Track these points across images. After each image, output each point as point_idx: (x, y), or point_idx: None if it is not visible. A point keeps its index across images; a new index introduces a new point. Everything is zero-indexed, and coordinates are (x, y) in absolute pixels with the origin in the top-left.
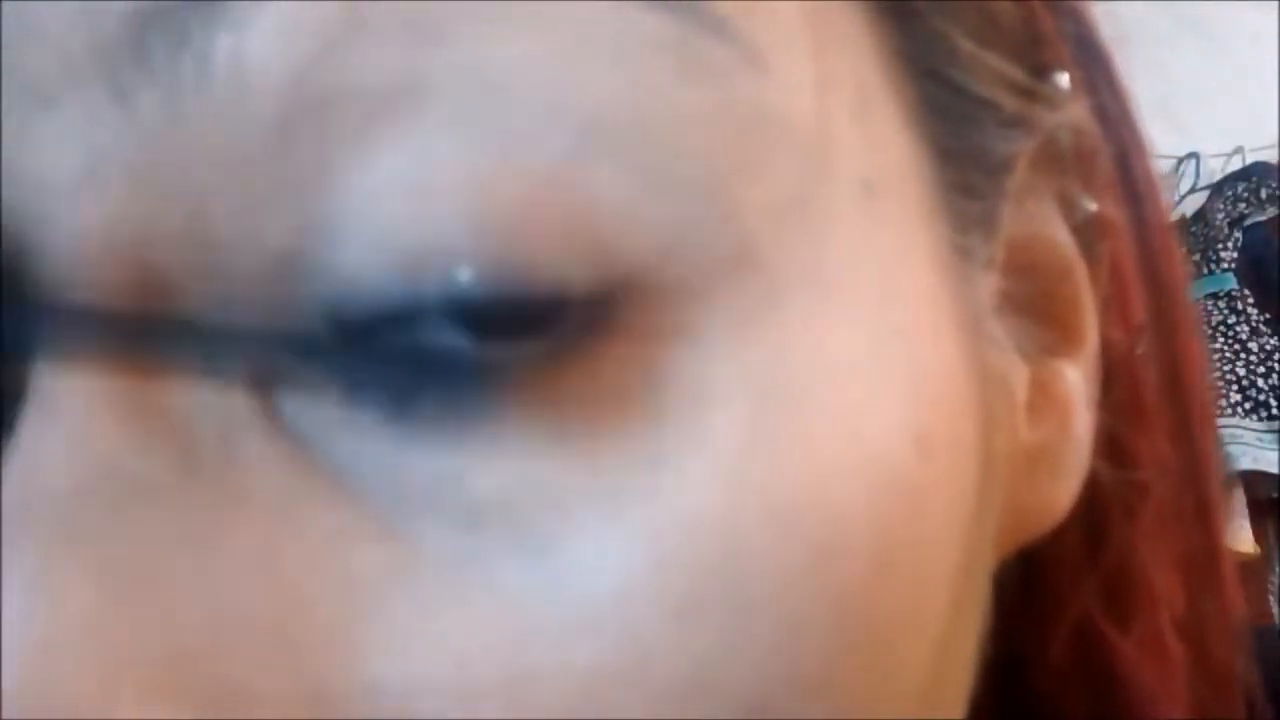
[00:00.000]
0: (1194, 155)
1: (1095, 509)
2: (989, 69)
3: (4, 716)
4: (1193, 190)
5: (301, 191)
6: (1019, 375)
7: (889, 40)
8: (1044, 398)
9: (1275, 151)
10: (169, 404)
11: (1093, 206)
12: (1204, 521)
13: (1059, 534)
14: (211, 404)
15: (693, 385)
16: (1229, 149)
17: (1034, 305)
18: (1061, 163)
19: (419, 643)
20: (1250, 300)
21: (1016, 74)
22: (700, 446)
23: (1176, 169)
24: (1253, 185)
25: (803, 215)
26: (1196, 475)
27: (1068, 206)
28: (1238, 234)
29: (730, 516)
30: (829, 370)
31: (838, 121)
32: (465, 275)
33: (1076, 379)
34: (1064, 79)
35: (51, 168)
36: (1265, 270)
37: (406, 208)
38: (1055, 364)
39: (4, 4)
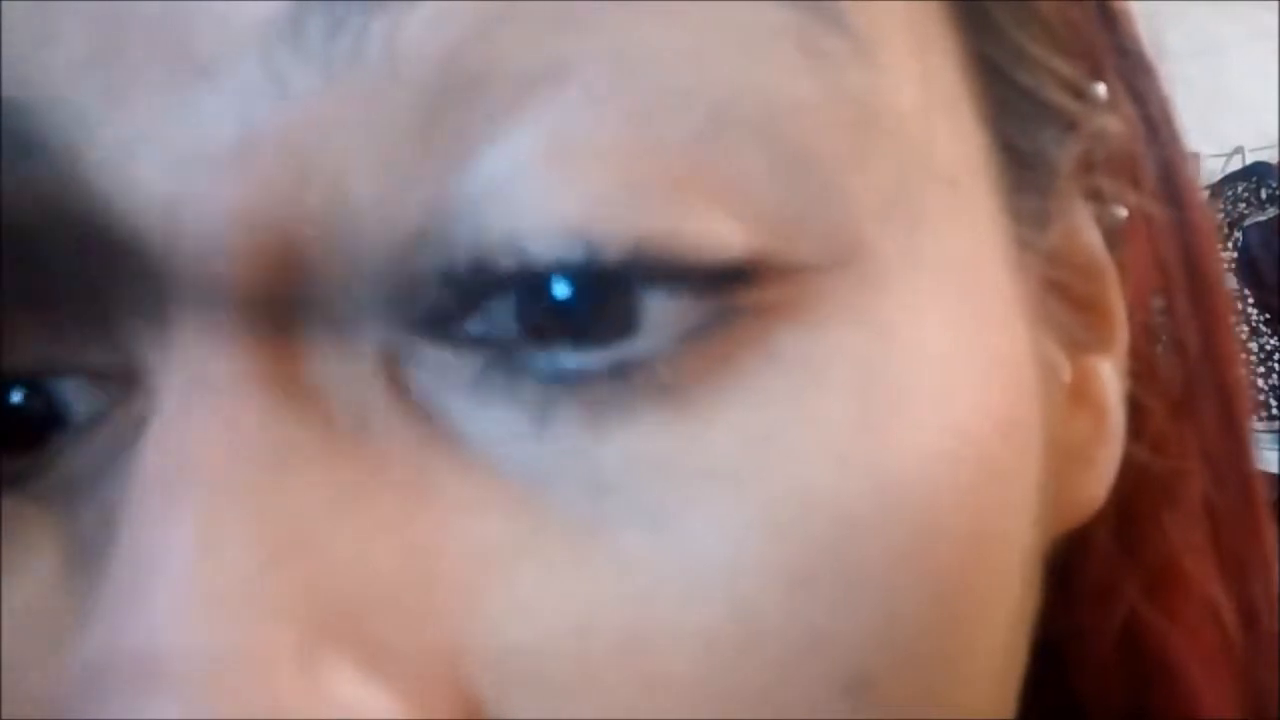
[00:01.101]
0: (1194, 155)
1: (1135, 499)
2: (1054, 73)
3: (173, 669)
4: None
5: (440, 170)
6: (1064, 366)
7: (966, 41)
8: (1082, 392)
9: (1275, 152)
10: (309, 381)
11: (1122, 213)
12: (1248, 508)
13: (1097, 524)
14: (347, 380)
15: (806, 365)
16: (1229, 149)
17: (1074, 301)
18: (1096, 167)
19: (545, 606)
20: (1250, 300)
21: (1076, 79)
22: (812, 424)
23: None
24: (1252, 185)
25: (905, 207)
26: (1239, 464)
27: (1101, 212)
28: (1237, 234)
29: (840, 493)
30: (926, 356)
31: (935, 117)
32: (611, 247)
33: (1111, 375)
34: (1103, 87)
35: (204, 140)
36: (1265, 270)
37: (544, 180)
38: (1093, 359)
39: None
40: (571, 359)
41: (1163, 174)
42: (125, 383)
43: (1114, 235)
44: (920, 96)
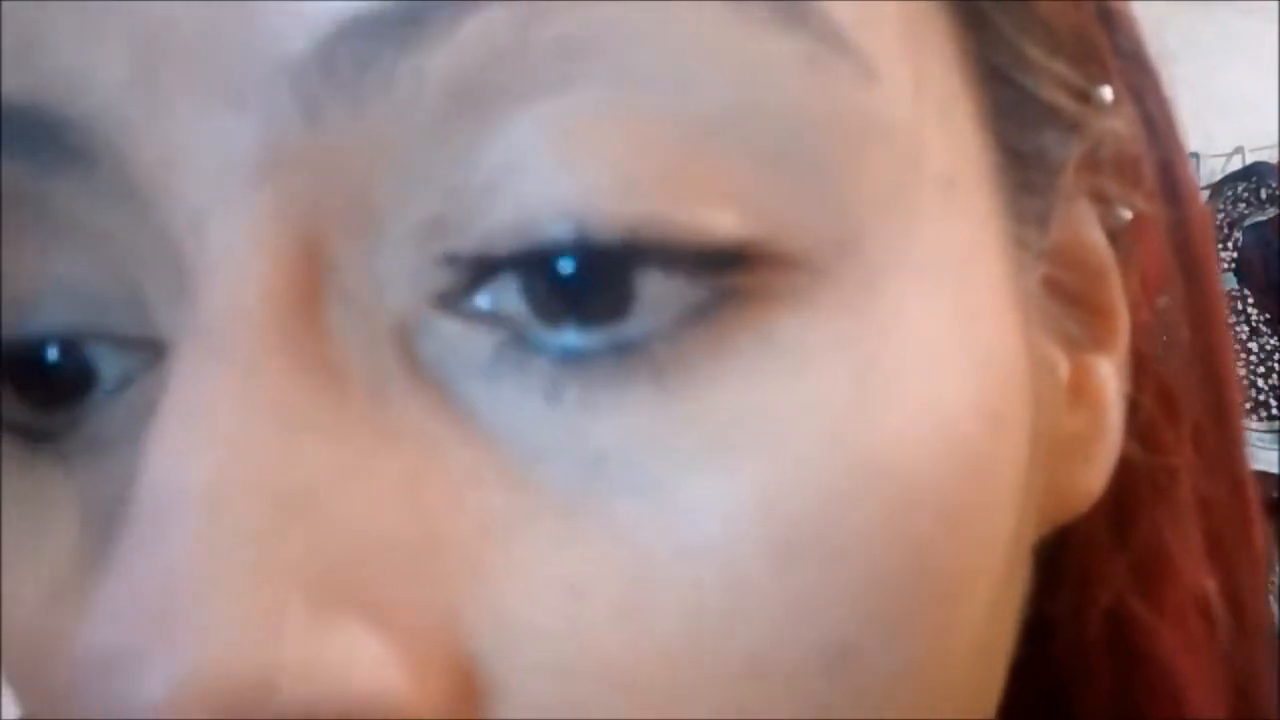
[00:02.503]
0: (1194, 155)
1: (1126, 493)
2: (1054, 75)
3: (182, 622)
4: None
5: (453, 167)
6: (1061, 364)
7: (966, 45)
8: (1081, 388)
9: (1275, 152)
10: (325, 350)
11: (1128, 213)
12: (1238, 504)
13: (1090, 517)
14: (363, 351)
15: (800, 348)
16: (1229, 149)
17: (1074, 300)
18: (1100, 168)
19: (541, 574)
20: (1250, 300)
21: (1077, 81)
22: (804, 404)
23: None
24: (1252, 185)
25: (898, 208)
26: (1230, 460)
27: (1105, 213)
28: (1238, 234)
29: (828, 471)
30: (917, 347)
31: (928, 122)
32: (606, 222)
33: (1110, 373)
34: (1108, 90)
35: (235, 158)
36: (1265, 270)
37: (545, 170)
38: (1091, 357)
39: (207, 7)
40: (577, 338)
41: (1162, 174)
42: (152, 351)
43: (1119, 235)
44: (914, 102)
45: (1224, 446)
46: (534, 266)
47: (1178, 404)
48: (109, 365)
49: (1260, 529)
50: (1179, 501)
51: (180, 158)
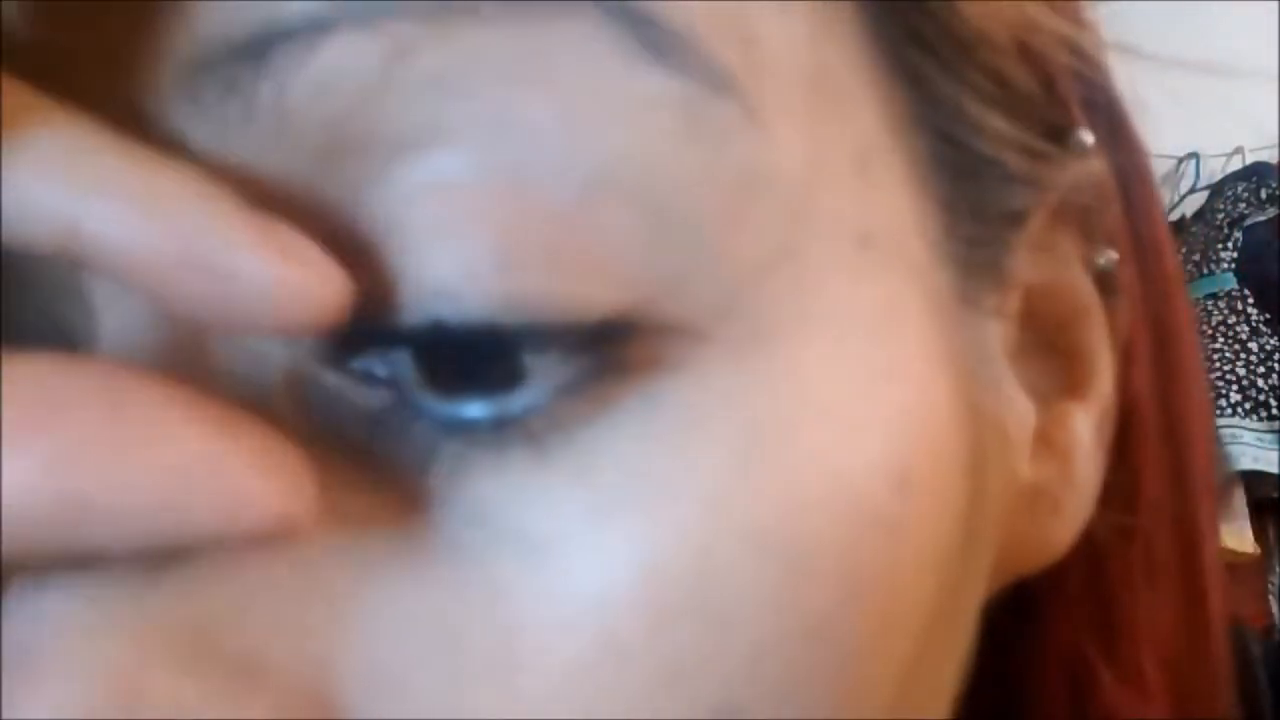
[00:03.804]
0: (1194, 155)
1: (1093, 545)
2: (994, 130)
3: (47, 672)
4: (1193, 190)
5: (330, 217)
6: (1025, 415)
7: (895, 99)
8: (1049, 439)
9: (1275, 151)
10: (218, 393)
11: (1115, 256)
12: (1192, 571)
13: (1059, 569)
14: (256, 396)
15: (685, 411)
16: (1229, 149)
17: (1046, 348)
18: (1083, 215)
19: (417, 625)
20: (1250, 300)
21: (1022, 135)
22: (688, 470)
23: (1176, 169)
24: (1253, 185)
25: (790, 265)
26: (1188, 524)
27: (1088, 258)
28: (1238, 234)
29: (710, 535)
30: (813, 408)
31: (834, 177)
32: (483, 299)
33: (1084, 422)
34: (1084, 137)
35: None
36: (1265, 270)
37: (420, 239)
38: (1064, 406)
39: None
40: (466, 408)
41: (1129, 223)
42: None
43: (1105, 279)
44: (812, 155)
45: (1181, 513)
46: (421, 338)
47: (1143, 462)
48: None
49: (1215, 590)
50: (1143, 560)
51: None
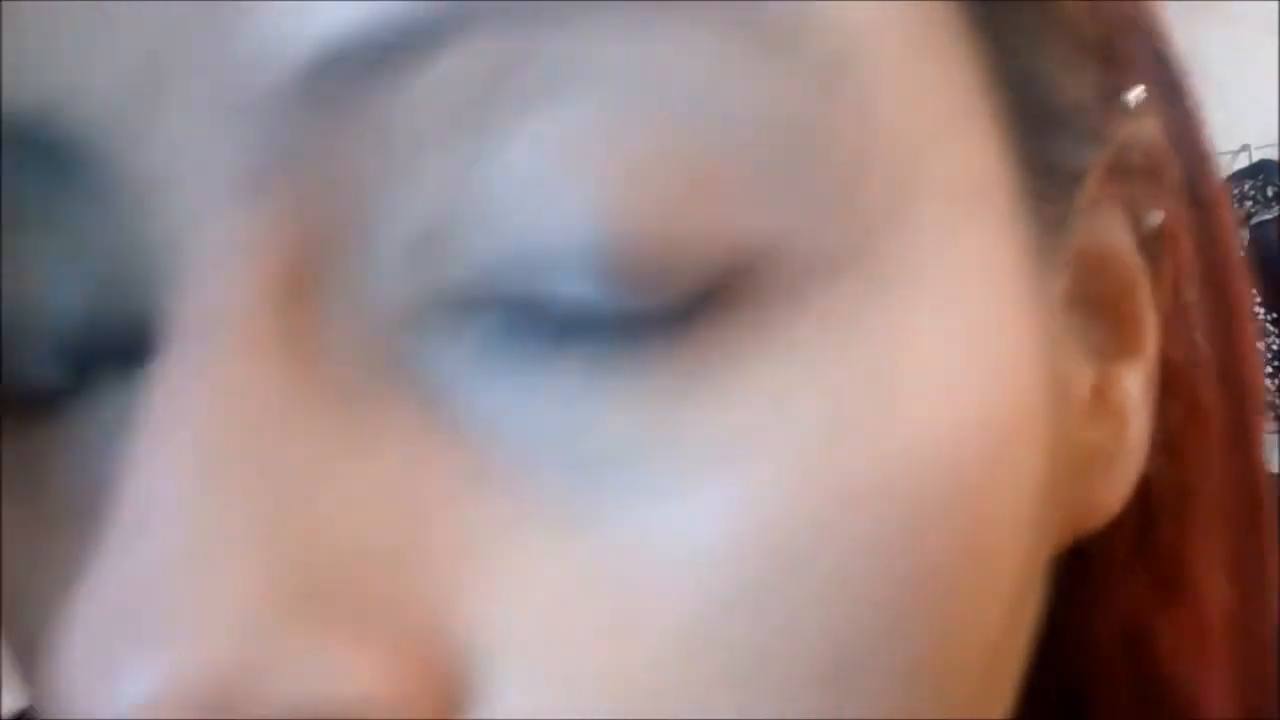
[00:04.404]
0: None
1: (1148, 506)
2: (1073, 82)
3: (161, 619)
4: None
5: (452, 175)
6: (1082, 376)
7: (981, 49)
8: (1102, 400)
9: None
10: (314, 346)
11: (1159, 219)
12: (1254, 524)
13: (1111, 529)
14: (352, 349)
15: (805, 358)
16: (1235, 147)
17: (1098, 309)
18: (1130, 176)
19: (528, 584)
20: (1257, 299)
21: (1095, 90)
22: (803, 421)
23: None
24: (1259, 183)
25: (900, 220)
26: (1250, 477)
27: (1135, 218)
28: (1244, 232)
29: (825, 489)
30: (923, 361)
31: (937, 134)
32: (607, 237)
33: (1134, 384)
34: (1137, 95)
35: (227, 170)
36: (1271, 269)
37: (548, 181)
38: (1115, 369)
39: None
40: (569, 340)
41: (1188, 179)
42: (140, 354)
43: (1149, 241)
44: (920, 112)
45: (1244, 458)
46: (530, 273)
47: (1203, 414)
48: (99, 366)
49: (1273, 541)
50: (1201, 515)
51: (173, 169)
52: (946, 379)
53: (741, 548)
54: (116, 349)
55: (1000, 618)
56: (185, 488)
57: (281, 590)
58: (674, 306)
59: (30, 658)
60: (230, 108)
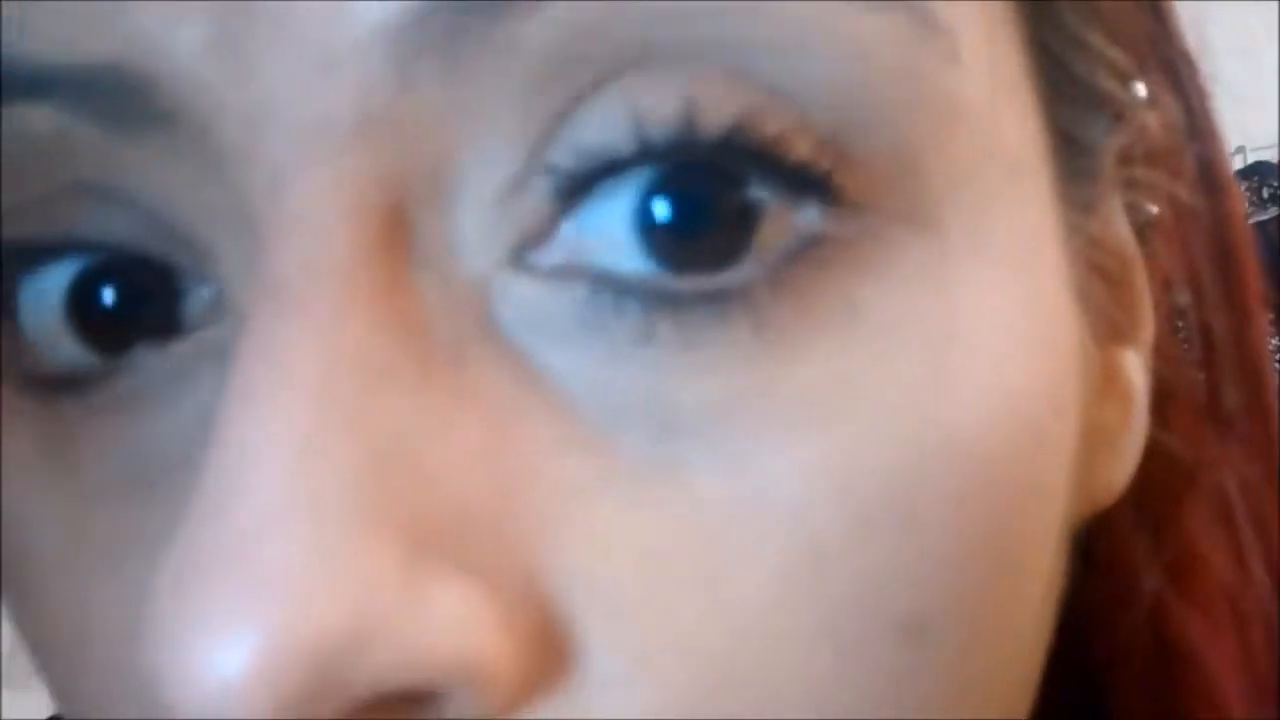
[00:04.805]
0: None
1: (1158, 486)
2: (1109, 62)
3: (271, 575)
4: None
5: (543, 126)
6: (1094, 354)
7: (1027, 28)
8: (1112, 379)
9: (1276, 151)
10: (407, 309)
11: (1153, 209)
12: (1273, 491)
13: (1124, 512)
14: (444, 312)
15: (885, 320)
16: (1230, 148)
17: (1104, 294)
18: (1134, 161)
19: (619, 542)
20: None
21: (1128, 70)
22: (887, 376)
23: None
24: (1254, 184)
25: (974, 190)
26: (1266, 451)
27: (1131, 204)
28: None
29: (910, 443)
30: (989, 328)
31: (1000, 106)
32: (711, 120)
33: (1135, 366)
34: (1152, 81)
35: (323, 121)
36: (1266, 270)
37: (625, 122)
38: (1121, 350)
39: None
40: (672, 280)
41: (1201, 166)
42: (215, 307)
43: (1144, 229)
44: (990, 85)
45: (1260, 435)
46: (641, 197)
47: (1214, 395)
48: (155, 319)
49: None
50: (1212, 495)
51: (264, 119)
52: (1010, 347)
53: (824, 508)
54: (149, 324)
55: (1046, 583)
56: (287, 444)
57: (398, 545)
58: (752, 269)
59: (60, 648)
60: (320, 62)
